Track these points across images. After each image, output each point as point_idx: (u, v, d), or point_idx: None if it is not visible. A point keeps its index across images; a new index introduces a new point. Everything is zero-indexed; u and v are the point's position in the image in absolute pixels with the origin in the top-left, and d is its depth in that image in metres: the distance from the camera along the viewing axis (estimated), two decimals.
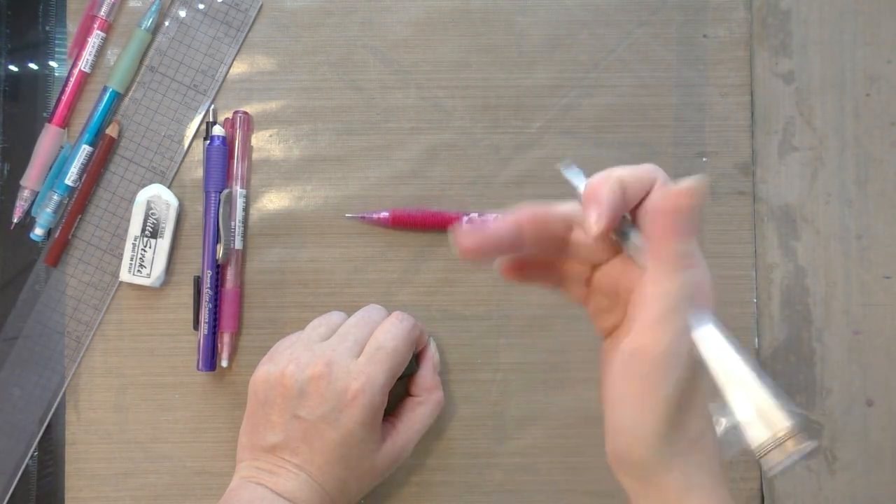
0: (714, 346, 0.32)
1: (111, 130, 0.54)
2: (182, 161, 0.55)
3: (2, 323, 0.54)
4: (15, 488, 0.53)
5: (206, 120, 0.55)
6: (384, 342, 0.47)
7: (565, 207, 0.35)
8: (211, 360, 0.53)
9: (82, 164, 0.54)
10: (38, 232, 0.53)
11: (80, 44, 0.54)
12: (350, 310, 0.55)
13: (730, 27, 0.56)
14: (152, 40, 0.55)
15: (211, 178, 0.53)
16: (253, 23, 0.55)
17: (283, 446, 0.45)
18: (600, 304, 0.37)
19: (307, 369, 0.46)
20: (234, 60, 0.55)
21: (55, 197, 0.53)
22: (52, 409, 0.53)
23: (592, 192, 0.33)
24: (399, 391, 0.51)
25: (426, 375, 0.51)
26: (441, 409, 0.51)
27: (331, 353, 0.46)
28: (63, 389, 0.54)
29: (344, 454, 0.45)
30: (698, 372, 0.33)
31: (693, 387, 0.33)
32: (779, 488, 0.54)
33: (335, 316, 0.50)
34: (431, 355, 0.52)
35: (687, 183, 0.33)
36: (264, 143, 0.55)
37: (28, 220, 0.54)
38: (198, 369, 0.53)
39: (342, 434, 0.45)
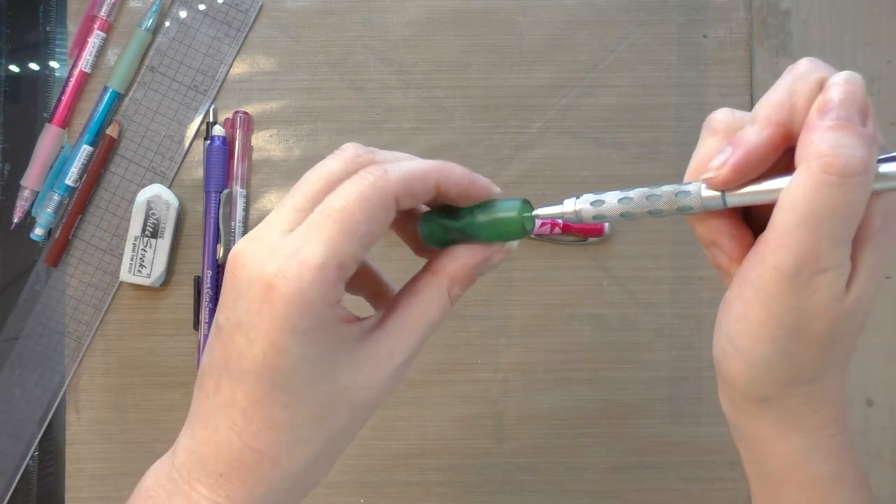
0: None
1: (111, 130, 0.54)
2: (182, 161, 0.55)
3: (2, 323, 0.54)
4: (15, 488, 0.53)
5: (207, 120, 0.55)
6: (330, 201, 0.29)
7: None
8: None
9: (82, 164, 0.54)
10: (38, 232, 0.53)
11: (81, 44, 0.54)
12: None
13: (730, 27, 0.56)
14: (152, 40, 0.55)
15: (211, 178, 0.53)
16: (253, 23, 0.55)
17: (208, 374, 0.30)
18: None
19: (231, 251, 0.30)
20: (234, 61, 0.55)
21: (55, 197, 0.53)
22: (53, 409, 0.53)
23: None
24: None
25: (456, 256, 0.33)
26: (451, 306, 0.33)
27: (260, 227, 0.30)
28: (63, 389, 0.54)
29: (277, 383, 0.28)
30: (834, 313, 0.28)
31: (817, 326, 0.28)
32: None
33: (332, 162, 0.31)
34: (492, 252, 0.33)
35: (840, 74, 0.28)
36: (264, 143, 0.55)
37: (28, 221, 0.54)
38: (198, 369, 0.53)
39: (263, 350, 0.28)
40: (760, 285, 0.28)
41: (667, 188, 0.30)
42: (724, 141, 0.30)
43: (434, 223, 0.33)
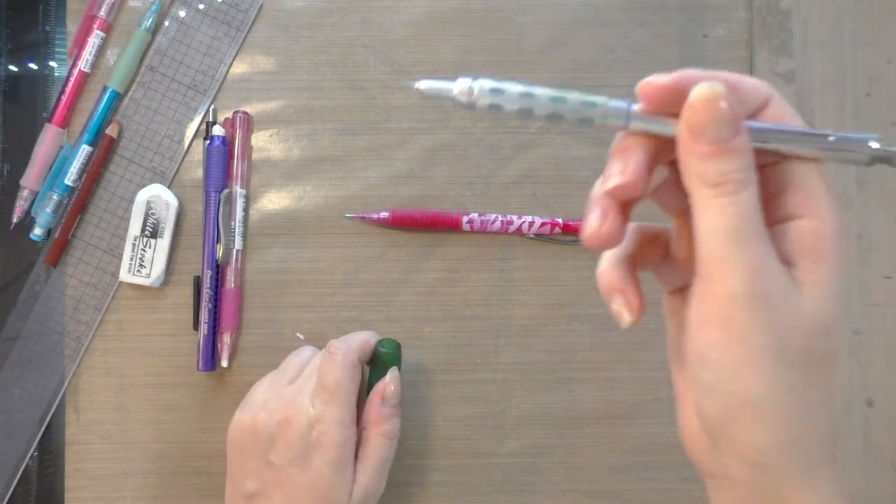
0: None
1: (111, 130, 0.54)
2: (182, 161, 0.55)
3: (2, 323, 0.54)
4: (15, 488, 0.53)
5: (206, 120, 0.55)
6: (322, 382, 0.46)
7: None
8: (211, 360, 0.53)
9: (82, 164, 0.54)
10: (37, 232, 0.53)
11: (80, 44, 0.54)
12: (350, 311, 0.55)
13: (730, 27, 0.56)
14: (152, 40, 0.55)
15: (211, 178, 0.53)
16: (253, 23, 0.55)
17: (260, 493, 0.46)
18: (676, 275, 0.32)
19: (274, 415, 0.46)
20: (234, 60, 0.55)
21: (55, 197, 0.53)
22: (52, 410, 0.53)
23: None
24: None
25: (371, 408, 0.49)
26: (395, 440, 0.49)
27: (295, 397, 0.47)
28: (63, 389, 0.54)
29: (315, 497, 0.45)
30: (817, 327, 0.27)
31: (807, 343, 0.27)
32: None
33: (304, 352, 0.51)
34: (384, 385, 0.49)
35: (699, 90, 0.27)
36: (264, 143, 0.55)
37: (28, 220, 0.54)
38: (198, 369, 0.53)
39: (312, 477, 0.45)
40: (725, 322, 0.27)
41: (575, 95, 0.28)
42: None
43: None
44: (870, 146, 0.28)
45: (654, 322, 0.55)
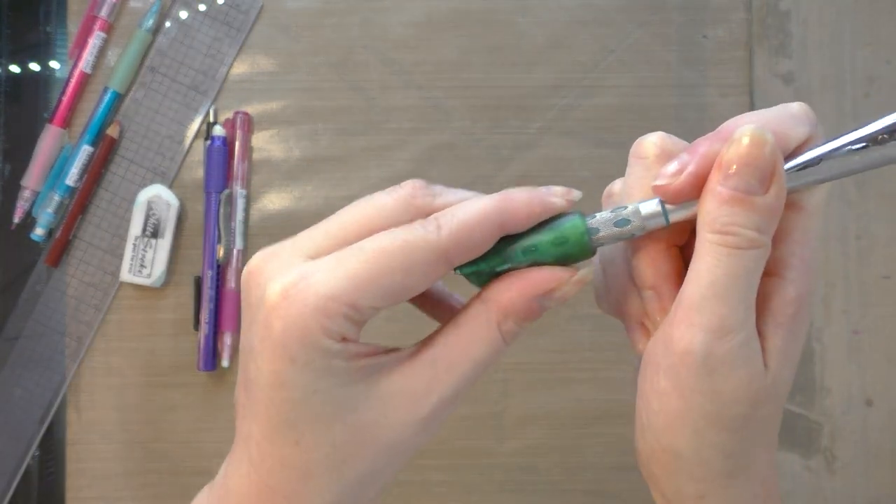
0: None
1: (112, 131, 0.54)
2: (183, 161, 0.55)
3: (3, 323, 0.54)
4: (16, 488, 0.53)
5: (207, 120, 0.55)
6: (369, 241, 0.26)
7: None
8: (212, 360, 0.53)
9: (83, 164, 0.54)
10: (38, 232, 0.54)
11: (81, 44, 0.54)
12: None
13: (729, 28, 0.56)
14: (153, 41, 0.55)
15: (211, 179, 0.53)
16: (253, 23, 0.55)
17: (236, 402, 0.28)
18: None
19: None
20: (234, 61, 0.55)
21: (56, 197, 0.54)
22: (53, 409, 0.53)
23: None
24: None
25: (503, 285, 0.27)
26: (505, 344, 0.28)
27: (284, 242, 0.28)
28: (64, 389, 0.54)
29: (284, 418, 0.26)
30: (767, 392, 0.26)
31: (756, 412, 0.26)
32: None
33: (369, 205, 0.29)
34: (560, 275, 0.27)
35: (742, 128, 0.25)
36: (265, 143, 0.55)
37: (29, 221, 0.54)
38: (198, 369, 0.53)
39: (267, 381, 0.26)
40: (673, 374, 0.26)
41: (603, 216, 0.27)
42: (655, 168, 0.27)
43: (479, 263, 0.28)
44: None
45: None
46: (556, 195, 0.27)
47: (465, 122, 0.55)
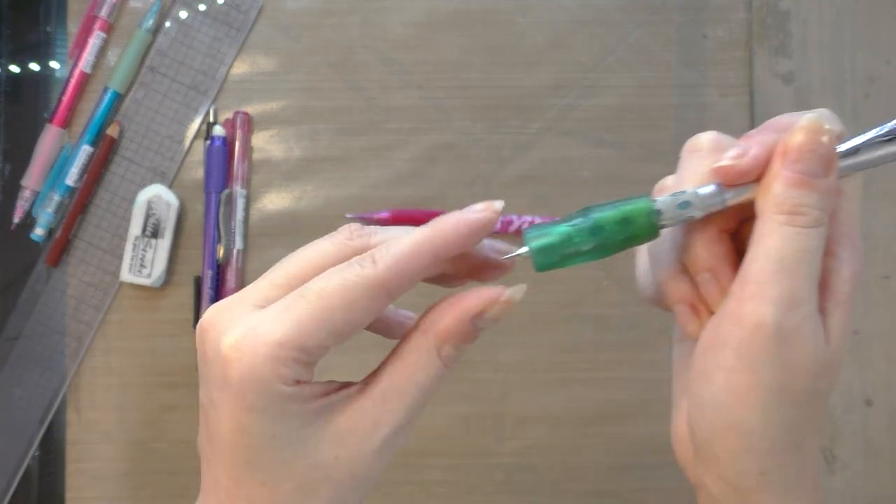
0: None
1: (112, 131, 0.54)
2: (183, 161, 0.55)
3: (3, 323, 0.54)
4: (16, 488, 0.53)
5: (207, 120, 0.55)
6: (311, 284, 0.28)
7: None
8: None
9: (83, 164, 0.54)
10: (38, 232, 0.54)
11: (81, 44, 0.54)
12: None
13: (729, 28, 0.56)
14: (153, 41, 0.55)
15: (211, 179, 0.53)
16: (253, 23, 0.55)
17: (201, 451, 0.31)
18: None
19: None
20: (234, 61, 0.55)
21: (56, 197, 0.54)
22: (53, 409, 0.53)
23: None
24: None
25: (437, 313, 0.29)
26: (446, 369, 0.29)
27: (234, 297, 0.29)
28: (64, 389, 0.54)
29: (249, 462, 0.27)
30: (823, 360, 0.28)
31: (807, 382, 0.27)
32: None
33: (309, 252, 0.31)
34: (488, 296, 0.29)
35: (801, 118, 0.28)
36: (265, 143, 0.55)
37: (29, 221, 0.54)
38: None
39: (229, 429, 0.27)
40: (744, 348, 0.27)
41: (665, 199, 0.29)
42: (709, 159, 0.29)
43: (550, 235, 0.29)
44: None
45: (655, 321, 0.55)
46: (479, 211, 0.28)
47: (465, 122, 0.55)
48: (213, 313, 0.28)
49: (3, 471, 0.53)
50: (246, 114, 0.55)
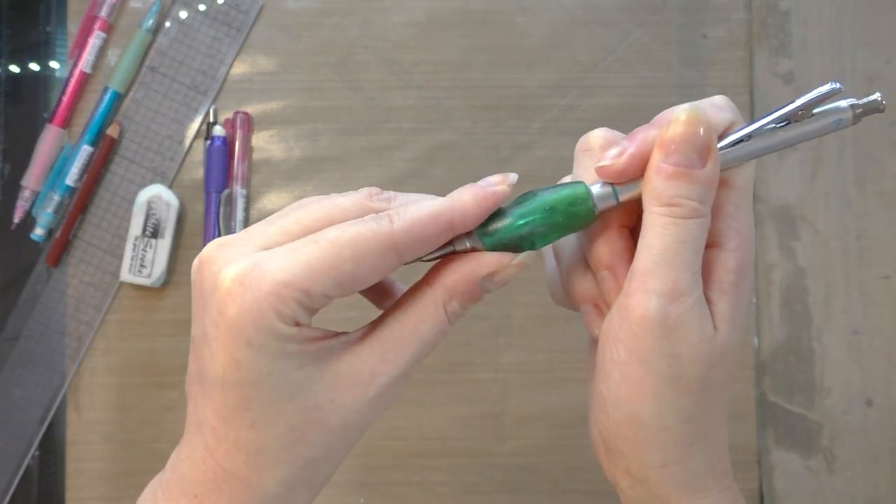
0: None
1: (112, 131, 0.54)
2: (183, 161, 0.55)
3: (3, 323, 0.54)
4: (16, 488, 0.53)
5: (207, 120, 0.55)
6: (323, 233, 0.27)
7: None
8: None
9: (83, 164, 0.54)
10: (38, 232, 0.54)
11: (81, 44, 0.54)
12: (350, 311, 0.55)
13: (729, 27, 0.56)
14: (153, 41, 0.55)
15: (211, 179, 0.53)
16: (253, 23, 0.55)
17: (188, 388, 0.29)
18: None
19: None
20: (234, 61, 0.55)
21: (56, 197, 0.54)
22: (53, 409, 0.54)
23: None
24: None
25: (449, 269, 0.29)
26: (449, 324, 0.29)
27: (238, 233, 0.28)
28: (64, 389, 0.54)
29: (240, 401, 0.27)
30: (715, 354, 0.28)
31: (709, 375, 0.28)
32: (778, 488, 0.54)
33: (313, 205, 0.29)
34: (499, 260, 0.29)
35: (677, 110, 0.28)
36: (265, 143, 0.55)
37: (29, 221, 0.54)
38: None
39: (223, 364, 0.26)
40: (632, 342, 0.28)
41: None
42: (598, 158, 0.29)
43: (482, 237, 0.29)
44: (846, 107, 0.28)
45: None
46: (496, 184, 0.29)
47: (465, 122, 0.55)
48: (214, 247, 0.27)
49: (3, 471, 0.53)
50: (246, 114, 0.55)
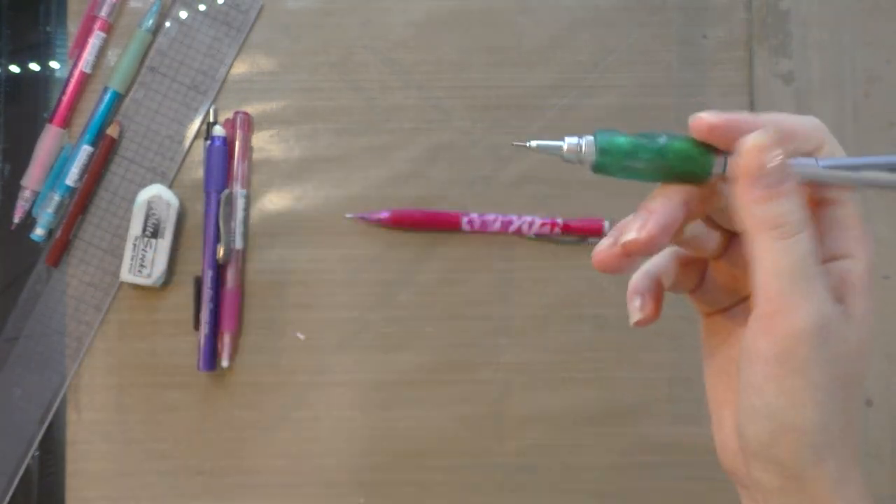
0: None
1: (112, 131, 0.54)
2: (183, 161, 0.55)
3: (3, 323, 0.54)
4: (16, 488, 0.53)
5: (207, 120, 0.55)
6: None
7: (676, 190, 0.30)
8: (211, 360, 0.53)
9: (83, 164, 0.54)
10: (38, 232, 0.54)
11: (81, 44, 0.54)
12: (350, 311, 0.55)
13: (729, 27, 0.56)
14: (153, 41, 0.55)
15: (211, 179, 0.53)
16: (253, 23, 0.55)
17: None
18: (715, 300, 0.35)
19: None
20: (234, 61, 0.55)
21: (56, 197, 0.54)
22: (53, 409, 0.53)
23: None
24: None
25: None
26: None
27: None
28: (64, 389, 0.54)
29: None
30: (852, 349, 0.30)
31: (845, 369, 0.30)
32: None
33: None
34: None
35: (750, 139, 0.29)
36: (265, 143, 0.55)
37: (29, 221, 0.54)
38: (198, 369, 0.53)
39: None
40: (785, 357, 0.29)
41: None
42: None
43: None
44: None
45: (655, 323, 0.55)
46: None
47: (465, 122, 0.55)
48: None
49: (3, 471, 0.53)
50: (246, 114, 0.55)
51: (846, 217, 0.32)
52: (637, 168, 0.29)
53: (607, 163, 0.28)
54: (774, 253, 0.29)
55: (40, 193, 0.54)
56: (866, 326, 0.31)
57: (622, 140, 0.28)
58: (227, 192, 0.54)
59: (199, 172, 0.54)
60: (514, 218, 0.54)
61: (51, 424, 0.54)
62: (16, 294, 0.54)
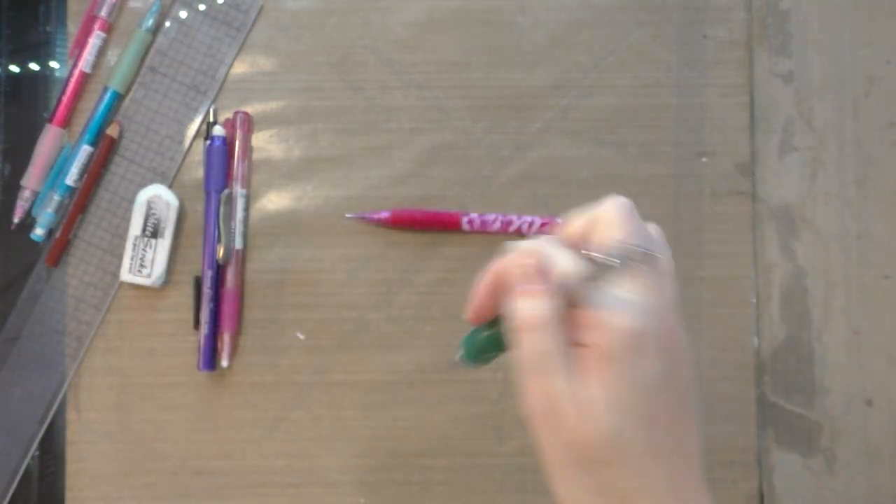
0: None
1: (112, 131, 0.54)
2: (182, 161, 0.55)
3: (3, 323, 0.54)
4: (16, 488, 0.53)
5: (207, 120, 0.55)
6: None
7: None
8: (211, 360, 0.53)
9: (83, 164, 0.54)
10: (38, 232, 0.54)
11: (81, 44, 0.54)
12: (350, 311, 0.55)
13: (729, 27, 0.56)
14: (153, 41, 0.55)
15: (211, 179, 0.53)
16: (253, 23, 0.55)
17: None
18: None
19: None
20: (234, 61, 0.55)
21: (56, 197, 0.54)
22: (53, 409, 0.54)
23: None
24: None
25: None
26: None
27: None
28: (64, 389, 0.54)
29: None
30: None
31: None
32: (778, 488, 0.54)
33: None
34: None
35: (508, 260, 0.33)
36: (265, 143, 0.55)
37: (29, 221, 0.54)
38: (198, 369, 0.53)
39: None
40: (533, 433, 0.33)
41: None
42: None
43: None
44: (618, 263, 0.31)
45: None
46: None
47: (465, 122, 0.55)
48: None
49: (3, 471, 0.53)
50: (246, 114, 0.55)
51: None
52: (489, 355, 0.37)
53: (470, 357, 0.38)
54: (520, 345, 0.32)
55: (40, 193, 0.54)
56: (608, 409, 0.31)
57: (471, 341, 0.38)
58: (226, 191, 0.54)
59: (199, 172, 0.55)
60: (514, 218, 0.54)
61: (51, 424, 0.54)
62: (16, 294, 0.54)
